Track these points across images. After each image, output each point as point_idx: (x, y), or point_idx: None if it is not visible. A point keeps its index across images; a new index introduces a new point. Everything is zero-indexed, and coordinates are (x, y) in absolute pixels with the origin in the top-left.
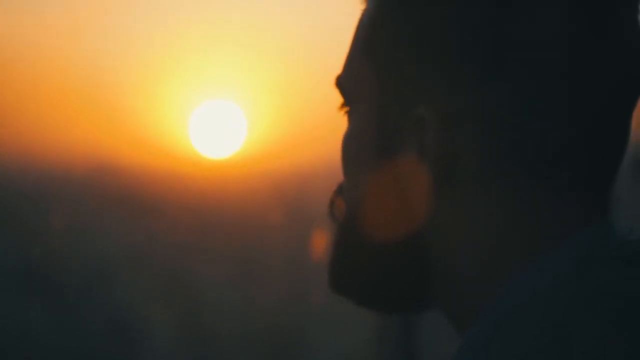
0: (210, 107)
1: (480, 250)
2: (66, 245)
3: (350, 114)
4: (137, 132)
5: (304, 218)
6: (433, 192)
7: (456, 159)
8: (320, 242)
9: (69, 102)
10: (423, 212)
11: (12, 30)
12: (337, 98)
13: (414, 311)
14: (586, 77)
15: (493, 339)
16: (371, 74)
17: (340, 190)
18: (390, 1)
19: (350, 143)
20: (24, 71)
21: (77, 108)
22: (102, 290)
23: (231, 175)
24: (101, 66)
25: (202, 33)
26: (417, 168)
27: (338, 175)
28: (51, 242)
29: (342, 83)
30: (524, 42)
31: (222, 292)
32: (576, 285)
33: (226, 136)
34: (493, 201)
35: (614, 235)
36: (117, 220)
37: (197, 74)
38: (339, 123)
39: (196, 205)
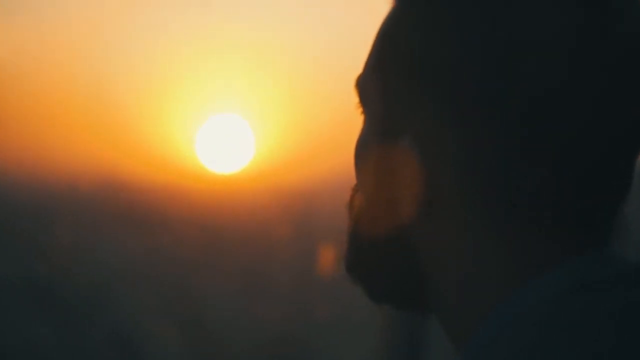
0: (217, 121)
1: (460, 278)
2: (72, 259)
3: (364, 117)
4: (143, 147)
5: (310, 233)
6: (419, 216)
7: (438, 191)
8: (327, 257)
9: (75, 118)
10: (413, 230)
11: (20, 47)
12: (346, 110)
13: (417, 310)
14: (582, 127)
15: None
16: (377, 92)
17: (356, 186)
18: (396, 28)
19: (359, 144)
20: (31, 87)
21: (84, 123)
22: (108, 305)
23: (239, 190)
24: (108, 82)
25: (210, 48)
26: (406, 191)
27: (345, 190)
28: (57, 257)
29: (359, 87)
30: (517, 89)
31: (229, 305)
32: (557, 309)
33: (233, 151)
34: (472, 233)
35: (608, 262)
36: (124, 234)
37: (204, 88)
38: (346, 138)
39: (203, 220)
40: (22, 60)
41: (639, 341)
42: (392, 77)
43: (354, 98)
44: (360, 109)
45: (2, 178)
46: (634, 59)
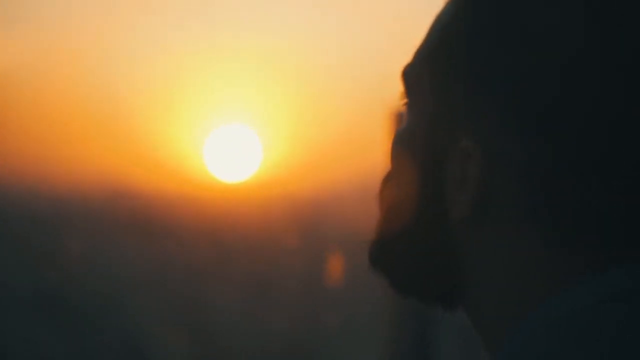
0: (225, 131)
1: (499, 281)
2: (81, 268)
3: (408, 109)
4: (152, 156)
5: (317, 240)
6: (466, 218)
7: (492, 198)
8: (334, 264)
9: (84, 127)
10: (457, 229)
11: (29, 59)
12: (352, 119)
13: (446, 307)
14: (632, 146)
15: None
16: (429, 87)
17: (388, 178)
18: (459, 32)
19: (404, 139)
20: (40, 97)
21: (93, 133)
22: (116, 312)
23: (246, 199)
24: (117, 92)
25: (218, 58)
26: (454, 192)
27: (353, 199)
28: (66, 265)
29: (406, 77)
30: (578, 103)
31: (236, 312)
32: (588, 319)
33: (241, 160)
34: (519, 239)
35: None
36: (132, 243)
37: (212, 98)
38: (354, 148)
39: (211, 228)
40: (32, 71)
41: None
42: (451, 78)
43: (360, 107)
44: (405, 100)
45: (12, 187)
46: None
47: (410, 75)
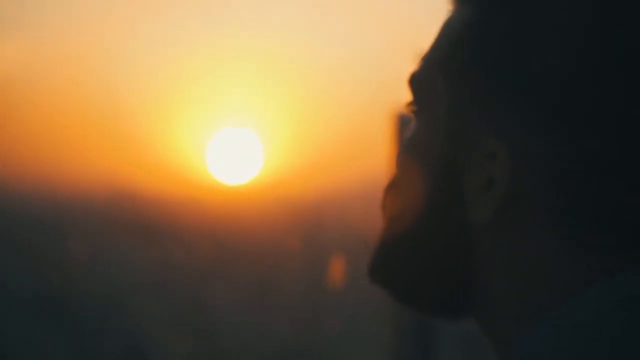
0: (227, 134)
1: (518, 284)
2: (83, 271)
3: (417, 115)
4: (154, 159)
5: (319, 243)
6: (488, 221)
7: (517, 199)
8: (336, 268)
9: (86, 130)
10: (476, 233)
11: (31, 62)
12: (353, 123)
13: (449, 316)
14: None
15: None
16: (444, 93)
17: (393, 185)
18: (474, 25)
19: (414, 147)
20: (42, 101)
21: (95, 136)
22: (119, 316)
23: (248, 201)
24: (119, 95)
25: (220, 61)
26: (478, 196)
27: (354, 202)
28: (68, 269)
29: (414, 84)
30: (611, 103)
31: (238, 316)
32: (602, 321)
33: (243, 163)
34: (542, 241)
35: None
36: (135, 246)
37: (214, 102)
38: (355, 151)
39: (213, 231)
40: (34, 74)
41: None
42: (470, 82)
43: (361, 111)
44: (414, 107)
45: (15, 190)
46: None
47: (420, 81)
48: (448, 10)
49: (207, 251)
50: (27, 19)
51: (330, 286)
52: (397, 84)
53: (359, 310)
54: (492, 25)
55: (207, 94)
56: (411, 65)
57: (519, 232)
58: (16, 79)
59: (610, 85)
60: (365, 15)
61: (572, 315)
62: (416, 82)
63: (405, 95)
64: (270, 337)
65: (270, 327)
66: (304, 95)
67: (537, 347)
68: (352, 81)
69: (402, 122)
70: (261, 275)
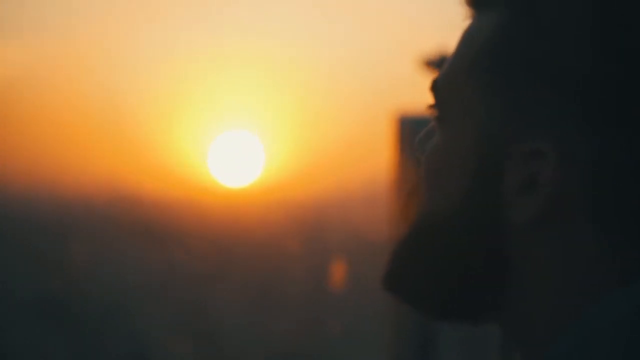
0: (228, 137)
1: (554, 287)
2: (85, 274)
3: (441, 122)
4: (156, 162)
5: (321, 246)
6: (529, 222)
7: (563, 198)
8: (337, 270)
9: (88, 134)
10: (512, 233)
11: (35, 66)
12: (354, 126)
13: (471, 321)
14: None
15: None
16: (475, 96)
17: (414, 192)
18: (510, 28)
19: (442, 153)
20: (45, 105)
21: (97, 139)
22: (121, 318)
23: (249, 204)
24: (121, 99)
25: (221, 65)
26: (519, 195)
27: (355, 205)
28: (70, 271)
29: (440, 90)
30: None
31: (241, 318)
32: (635, 323)
33: (244, 166)
34: (582, 242)
35: None
36: (137, 249)
37: (215, 105)
38: (356, 154)
39: (215, 234)
40: (37, 77)
41: None
42: (509, 83)
43: (362, 114)
44: (438, 112)
45: (16, 193)
46: None
47: (446, 87)
48: (464, 18)
49: (209, 253)
50: (29, 22)
51: (331, 288)
52: (398, 87)
53: (360, 311)
54: (527, 26)
55: (209, 97)
56: (412, 69)
57: (560, 232)
58: (18, 82)
59: None
60: (367, 20)
61: (605, 316)
62: (442, 87)
63: (405, 99)
64: (272, 339)
65: (272, 328)
66: (305, 99)
67: (571, 347)
68: (353, 85)
69: (403, 125)
70: (263, 277)
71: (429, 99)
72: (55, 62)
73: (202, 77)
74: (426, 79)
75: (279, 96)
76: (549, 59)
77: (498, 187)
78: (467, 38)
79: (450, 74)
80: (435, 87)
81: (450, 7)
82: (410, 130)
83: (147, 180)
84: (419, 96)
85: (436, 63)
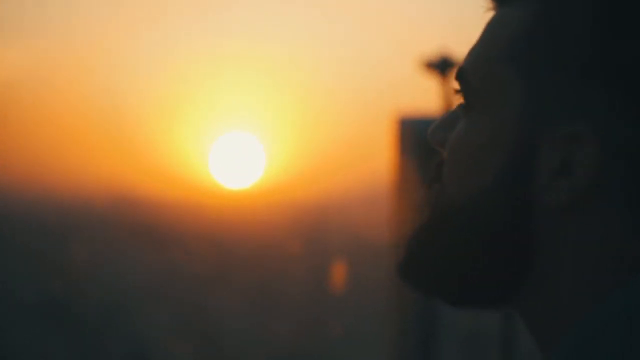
0: (229, 139)
1: (587, 272)
2: (86, 276)
3: (470, 108)
4: (157, 164)
5: (321, 247)
6: (563, 206)
7: (600, 181)
8: (337, 271)
9: (89, 136)
10: (544, 216)
11: (35, 68)
12: (355, 127)
13: (487, 307)
14: None
15: (587, 350)
16: (514, 83)
17: (437, 178)
18: (550, 16)
19: (472, 137)
20: (45, 106)
21: (97, 140)
22: (122, 321)
23: (250, 205)
24: (121, 100)
25: (223, 66)
26: (554, 178)
27: (356, 206)
28: (72, 274)
29: (469, 78)
30: None
31: (241, 319)
32: None
33: (245, 167)
34: (615, 227)
35: None
36: (138, 250)
37: (216, 107)
38: (357, 155)
39: (216, 235)
40: (37, 80)
41: None
42: (543, 65)
43: (363, 115)
44: (468, 98)
45: (17, 195)
46: None
47: (477, 75)
48: (486, 9)
49: (210, 255)
50: (30, 24)
51: (331, 289)
52: (399, 89)
53: (361, 312)
54: (566, 14)
55: (210, 99)
56: (413, 71)
57: (593, 216)
58: (18, 84)
59: None
60: (368, 21)
61: (629, 299)
62: (472, 75)
63: (406, 101)
64: (273, 340)
65: (272, 329)
66: (305, 100)
67: (597, 328)
68: (354, 86)
69: (404, 126)
70: (263, 278)
71: (429, 100)
72: (55, 65)
73: (202, 78)
74: (427, 80)
75: (280, 98)
76: (587, 45)
77: (532, 170)
78: (499, 28)
79: (481, 62)
80: (463, 76)
81: (450, 8)
82: (410, 131)
83: (148, 181)
84: (419, 98)
85: (437, 64)
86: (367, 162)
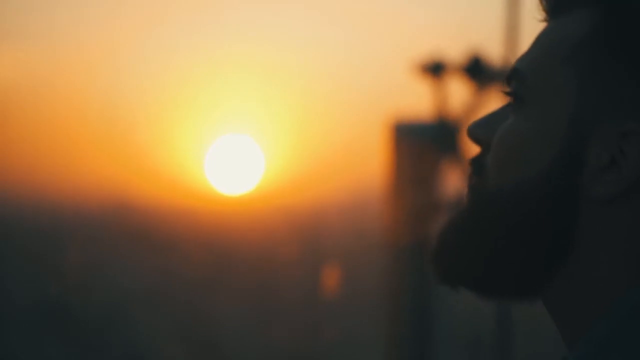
0: (226, 141)
1: (624, 258)
2: (84, 282)
3: (522, 105)
4: (153, 169)
5: (319, 252)
6: (610, 199)
7: None
8: (334, 275)
9: (85, 141)
10: (590, 212)
11: (31, 72)
12: (354, 131)
13: (514, 298)
14: None
15: (612, 344)
16: (570, 83)
17: (477, 171)
18: (608, 26)
19: (524, 131)
20: (42, 112)
21: (94, 146)
22: (120, 326)
23: (247, 210)
24: (117, 105)
25: (219, 70)
26: (604, 172)
27: (353, 211)
28: (69, 279)
29: (524, 77)
30: None
31: (238, 324)
32: None
33: (242, 172)
34: None
35: None
36: (135, 255)
37: (213, 109)
38: (353, 159)
39: (213, 241)
40: (33, 84)
41: None
42: (606, 71)
43: (359, 120)
44: (520, 95)
45: (16, 201)
46: None
47: (533, 75)
48: (539, 20)
49: (207, 260)
50: (26, 28)
51: (329, 293)
52: (394, 94)
53: (358, 316)
54: (622, 20)
55: (207, 102)
56: (408, 76)
57: (637, 208)
58: (14, 88)
59: None
60: (363, 27)
61: (623, 308)
62: (528, 75)
63: (400, 106)
64: (270, 344)
65: (270, 334)
66: (303, 105)
67: (592, 340)
68: (351, 92)
69: (399, 131)
70: (260, 283)
71: (423, 104)
72: (50, 70)
73: (200, 81)
74: (421, 85)
75: (278, 101)
76: None
77: (581, 163)
78: (556, 36)
79: (539, 65)
80: (519, 75)
81: (444, 15)
82: (405, 136)
83: (143, 186)
84: (413, 103)
85: (430, 68)
86: (363, 166)
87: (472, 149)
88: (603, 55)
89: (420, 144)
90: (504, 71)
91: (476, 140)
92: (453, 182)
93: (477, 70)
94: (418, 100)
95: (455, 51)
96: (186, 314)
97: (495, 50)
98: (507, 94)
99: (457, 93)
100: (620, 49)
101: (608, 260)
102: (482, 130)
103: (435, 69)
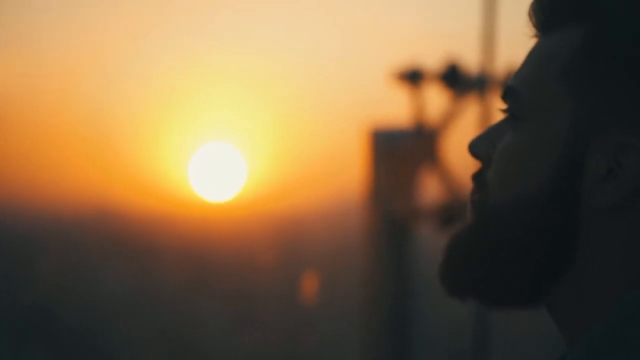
0: (209, 150)
1: (624, 264)
2: (68, 287)
3: (520, 121)
4: (138, 176)
5: (300, 258)
6: (609, 209)
7: None
8: (314, 282)
9: (70, 148)
10: (589, 223)
11: (18, 80)
12: (335, 139)
13: (524, 307)
14: None
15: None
16: (565, 99)
17: (479, 187)
18: (599, 41)
19: (523, 146)
20: (27, 119)
21: (79, 153)
22: (104, 333)
23: (229, 217)
24: (101, 113)
25: (202, 78)
26: (603, 183)
27: (335, 218)
28: (53, 285)
29: (519, 94)
30: None
31: (220, 331)
32: None
33: (225, 179)
34: None
35: None
36: (117, 262)
37: (196, 117)
38: (335, 167)
39: (196, 247)
40: (18, 94)
41: None
42: (601, 85)
43: (339, 128)
44: (517, 112)
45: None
46: None
47: (528, 91)
48: (530, 36)
49: (190, 267)
50: (16, 38)
51: (308, 298)
52: (372, 102)
53: (337, 321)
54: (614, 35)
55: (190, 110)
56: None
57: (636, 216)
58: (2, 98)
59: None
60: (344, 38)
61: (625, 308)
62: (524, 91)
63: (378, 114)
64: (252, 349)
65: (251, 338)
66: (286, 113)
67: (593, 339)
68: (329, 100)
69: (377, 138)
70: (242, 288)
71: (401, 112)
72: (33, 79)
73: (182, 91)
74: (399, 93)
75: (261, 110)
76: (636, 62)
77: (580, 175)
78: (548, 51)
79: (533, 82)
80: (513, 92)
81: (421, 24)
82: (383, 143)
83: (127, 194)
84: (392, 111)
85: (408, 76)
86: (342, 173)
87: (473, 164)
88: (596, 69)
89: (399, 151)
90: (480, 79)
91: (477, 156)
92: (431, 188)
93: (454, 78)
94: (396, 108)
95: (432, 59)
96: (169, 318)
97: (472, 59)
98: (504, 111)
99: (435, 101)
100: (612, 62)
101: (607, 266)
102: (482, 145)
103: (413, 77)
